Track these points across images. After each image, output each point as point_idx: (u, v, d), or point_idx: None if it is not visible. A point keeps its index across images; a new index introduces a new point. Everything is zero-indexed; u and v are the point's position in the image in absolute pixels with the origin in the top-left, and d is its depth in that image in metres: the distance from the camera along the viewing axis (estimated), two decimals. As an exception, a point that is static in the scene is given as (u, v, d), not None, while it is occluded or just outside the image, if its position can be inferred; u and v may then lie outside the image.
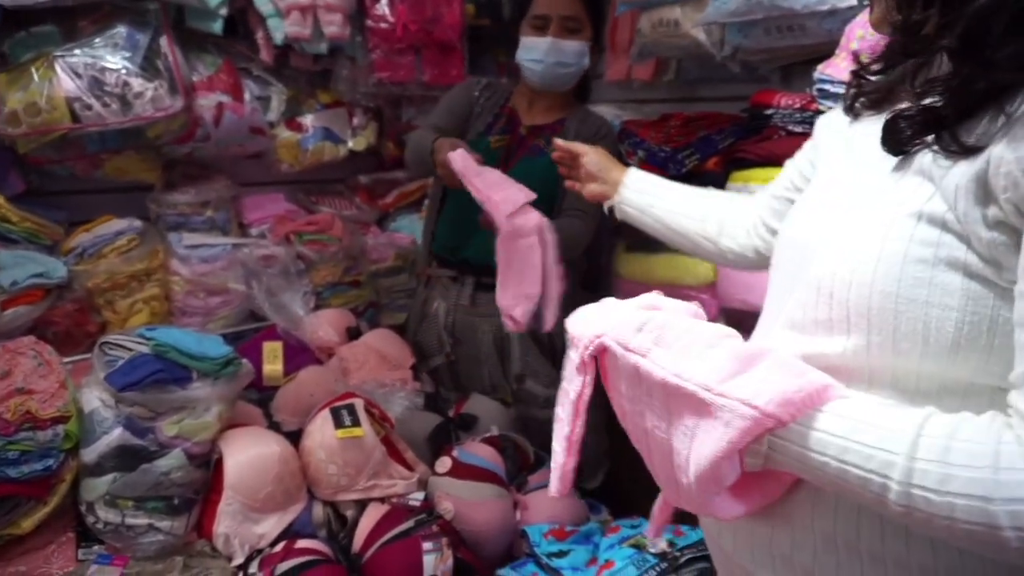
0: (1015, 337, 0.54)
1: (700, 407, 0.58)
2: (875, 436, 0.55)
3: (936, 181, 0.59)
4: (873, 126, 0.69)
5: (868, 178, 0.67)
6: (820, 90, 1.46)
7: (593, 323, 0.69)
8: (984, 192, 0.55)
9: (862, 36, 1.41)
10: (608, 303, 0.72)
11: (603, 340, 0.66)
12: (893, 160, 0.65)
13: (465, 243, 1.81)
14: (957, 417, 0.54)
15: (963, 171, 0.56)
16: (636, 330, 0.65)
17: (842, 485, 0.57)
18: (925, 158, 0.61)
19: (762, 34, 1.66)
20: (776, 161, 1.56)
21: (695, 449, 0.59)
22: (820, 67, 1.47)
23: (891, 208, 0.61)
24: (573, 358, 0.70)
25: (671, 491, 0.67)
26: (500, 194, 1.46)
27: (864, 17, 1.42)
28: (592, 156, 1.24)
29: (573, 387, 0.70)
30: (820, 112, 1.49)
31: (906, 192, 0.61)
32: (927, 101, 0.61)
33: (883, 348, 0.59)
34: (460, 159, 1.50)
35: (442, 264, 1.87)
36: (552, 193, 1.73)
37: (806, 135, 1.50)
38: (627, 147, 1.91)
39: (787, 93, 1.60)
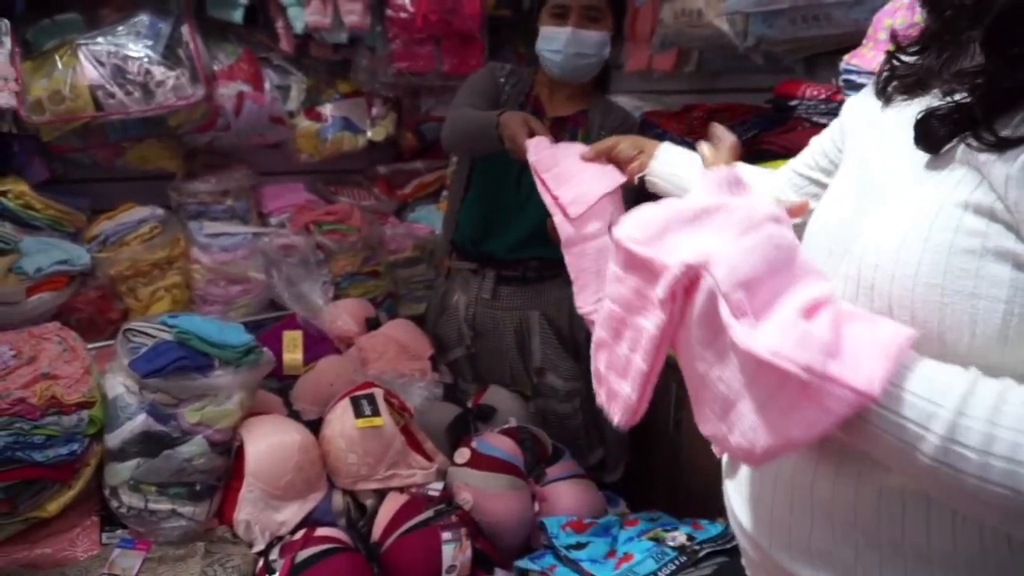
0: None
1: (798, 385, 0.53)
2: (924, 387, 0.54)
3: (983, 170, 0.57)
4: (905, 112, 0.67)
5: (903, 167, 0.66)
6: (846, 80, 1.43)
7: (680, 241, 0.60)
8: None
9: (890, 25, 1.38)
10: (678, 204, 0.63)
11: (704, 279, 0.57)
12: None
13: (488, 236, 1.80)
14: (1007, 382, 0.53)
15: (1014, 159, 0.55)
16: (736, 281, 0.56)
17: (871, 431, 0.56)
18: (967, 150, 0.59)
19: (787, 24, 1.63)
20: (799, 153, 1.54)
21: (779, 423, 0.55)
22: (847, 57, 1.44)
23: (934, 198, 0.60)
24: (651, 287, 0.61)
25: (714, 433, 0.62)
26: (572, 191, 1.25)
27: (893, 5, 1.39)
28: (624, 143, 1.22)
29: (651, 322, 0.61)
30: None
31: (950, 182, 0.60)
32: (957, 97, 0.60)
33: (928, 340, 0.58)
34: (534, 149, 1.35)
35: (463, 256, 1.86)
36: None
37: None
38: (649, 138, 1.90)
39: (812, 84, 1.58)
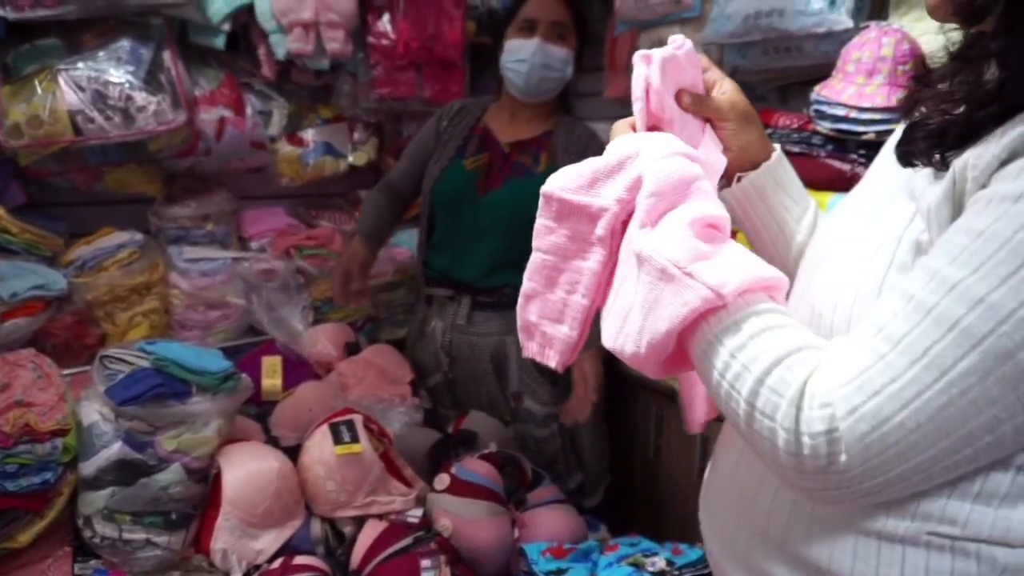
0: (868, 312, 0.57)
1: (666, 280, 0.60)
2: (755, 326, 0.59)
3: (917, 201, 0.59)
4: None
5: (875, 196, 0.68)
6: (817, 111, 1.48)
7: (609, 188, 0.68)
8: (951, 211, 0.56)
9: (858, 58, 1.43)
10: (603, 159, 0.70)
11: (635, 211, 0.65)
12: (898, 176, 0.64)
13: (457, 264, 1.81)
14: (819, 352, 0.58)
15: (937, 188, 0.57)
16: (649, 191, 0.64)
17: (699, 342, 0.61)
18: (916, 176, 0.61)
19: (760, 55, 1.68)
20: (774, 180, 1.57)
21: (650, 321, 0.62)
22: (817, 88, 1.49)
23: (881, 231, 0.62)
24: (590, 230, 0.69)
25: (614, 344, 0.68)
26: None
27: (860, 39, 1.44)
28: (736, 97, 0.84)
29: (592, 259, 0.69)
30: (817, 132, 1.51)
31: (895, 215, 0.62)
32: (951, 110, 0.60)
33: None
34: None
35: (438, 283, 1.86)
36: None
37: (803, 155, 1.54)
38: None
39: (785, 113, 1.61)
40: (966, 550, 0.56)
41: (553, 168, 1.84)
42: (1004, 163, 0.53)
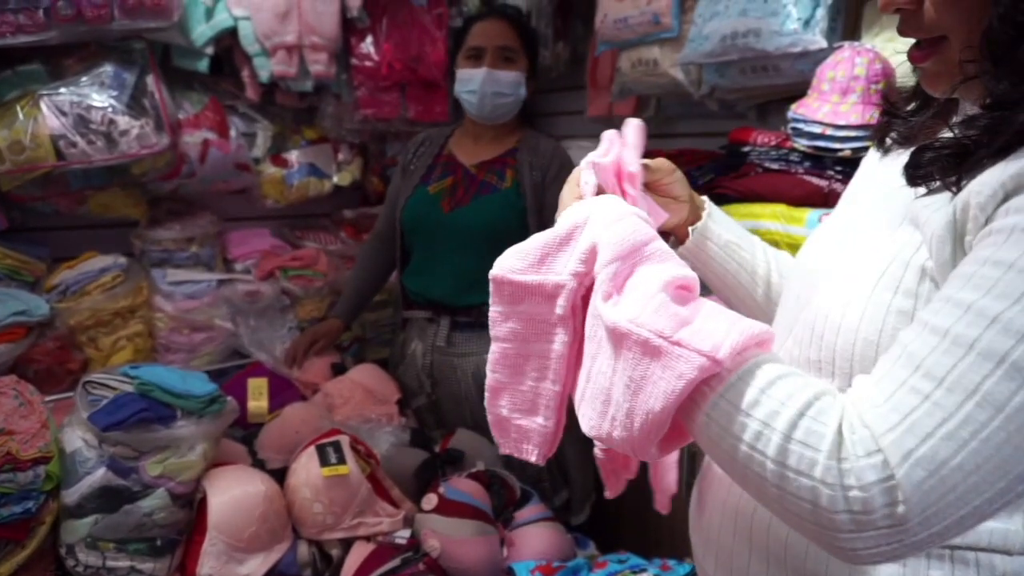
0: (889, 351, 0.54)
1: (653, 354, 0.56)
2: (763, 380, 0.55)
3: (922, 229, 0.59)
4: (897, 163, 0.69)
5: (880, 218, 0.67)
6: (794, 128, 1.50)
7: (562, 261, 0.63)
8: (954, 240, 0.55)
9: (832, 77, 1.46)
10: (549, 235, 0.66)
11: (596, 283, 0.61)
12: (901, 202, 0.64)
13: (432, 284, 1.83)
14: (829, 398, 0.54)
15: (940, 219, 0.56)
16: (608, 258, 0.60)
17: (705, 413, 0.56)
18: (922, 203, 0.60)
19: (738, 74, 1.71)
20: (753, 196, 1.60)
21: (641, 401, 0.56)
22: (794, 107, 1.51)
23: (885, 255, 0.61)
24: (548, 310, 0.63)
25: (598, 431, 0.62)
26: None
27: (834, 59, 1.47)
28: (678, 175, 0.91)
29: (556, 340, 0.64)
30: (795, 150, 1.54)
31: (900, 240, 0.61)
32: (958, 134, 0.60)
33: None
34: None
35: (417, 305, 1.88)
36: (510, 228, 1.73)
37: (782, 172, 1.56)
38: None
39: (763, 131, 1.64)
40: (965, 558, 0.57)
41: (519, 183, 1.88)
42: (1009, 195, 0.52)
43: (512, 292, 0.66)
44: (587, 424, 0.63)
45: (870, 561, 0.52)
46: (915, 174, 0.62)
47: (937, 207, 0.58)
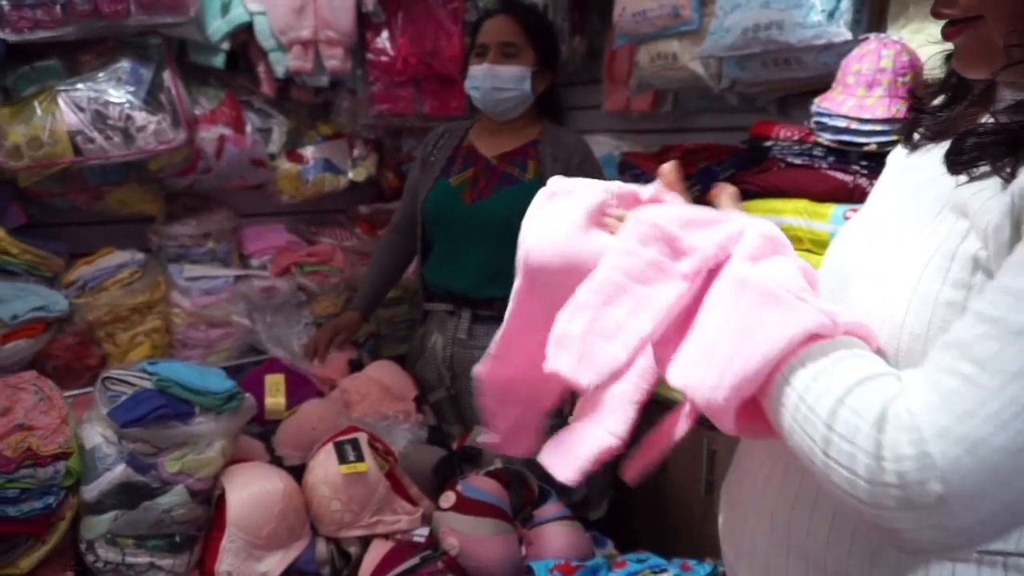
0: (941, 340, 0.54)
1: (776, 302, 0.58)
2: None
3: (972, 218, 0.57)
4: (927, 157, 0.68)
5: (911, 211, 0.66)
6: (817, 123, 1.48)
7: (699, 236, 0.66)
8: (1013, 228, 0.54)
9: (858, 70, 1.43)
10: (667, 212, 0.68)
11: (736, 251, 0.64)
12: (938, 193, 0.62)
13: (454, 276, 1.82)
14: (887, 379, 0.55)
15: (996, 207, 0.55)
16: (750, 240, 0.64)
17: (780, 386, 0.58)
18: (965, 192, 0.59)
19: (759, 67, 1.69)
20: (776, 192, 1.57)
21: (749, 346, 0.57)
22: (817, 100, 1.49)
23: (927, 246, 0.60)
24: (673, 263, 0.65)
25: (697, 381, 0.62)
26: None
27: (859, 52, 1.44)
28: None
29: (668, 291, 0.64)
30: (819, 144, 1.51)
31: (943, 230, 0.60)
32: (1006, 119, 0.58)
33: None
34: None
35: (438, 298, 1.87)
36: None
37: (805, 167, 1.54)
38: (629, 179, 1.93)
39: (786, 125, 1.62)
40: (1019, 565, 0.55)
41: (542, 175, 1.88)
42: None
43: (648, 233, 0.66)
44: (678, 373, 0.63)
45: (919, 549, 0.51)
46: (958, 160, 0.60)
47: (989, 195, 0.56)
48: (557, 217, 0.75)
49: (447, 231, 1.84)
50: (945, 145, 0.65)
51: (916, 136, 0.73)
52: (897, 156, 0.78)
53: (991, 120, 0.60)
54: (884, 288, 0.62)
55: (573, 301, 0.67)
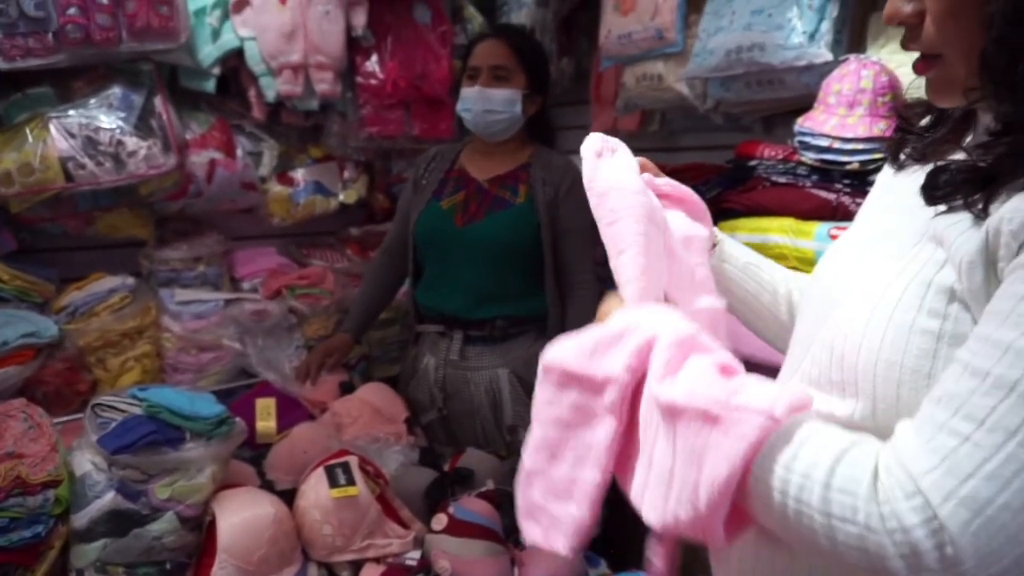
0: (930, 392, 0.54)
1: (712, 421, 0.56)
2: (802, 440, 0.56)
3: (948, 250, 0.58)
4: (913, 179, 0.68)
5: (895, 235, 0.66)
6: (801, 142, 1.50)
7: (611, 358, 0.64)
8: (986, 265, 0.54)
9: (838, 90, 1.46)
10: (601, 331, 0.67)
11: (650, 370, 0.62)
12: (920, 219, 0.63)
13: (445, 298, 1.83)
14: (867, 445, 0.55)
15: (969, 243, 0.55)
16: (669, 342, 0.62)
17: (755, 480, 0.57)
18: (942, 222, 0.59)
19: (743, 87, 1.71)
20: (761, 211, 1.59)
21: (706, 472, 0.56)
22: (800, 120, 1.51)
23: (905, 274, 0.60)
24: (595, 400, 0.64)
25: (663, 516, 0.61)
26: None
27: (840, 72, 1.47)
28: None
29: (602, 431, 0.64)
30: (802, 163, 1.53)
31: (921, 258, 0.60)
32: (975, 157, 0.59)
33: (887, 415, 0.58)
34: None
35: (429, 319, 1.88)
36: (523, 244, 1.76)
37: (790, 185, 1.56)
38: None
39: (770, 144, 1.64)
40: None
41: (532, 199, 1.88)
42: None
43: (560, 378, 0.67)
44: (653, 513, 0.62)
45: None
46: (933, 195, 0.61)
47: (962, 228, 0.57)
48: (623, 167, 0.78)
49: (438, 253, 1.85)
50: (927, 169, 0.66)
51: (902, 156, 0.74)
52: (885, 175, 0.78)
53: (964, 154, 0.61)
54: (862, 314, 0.62)
55: (524, 468, 0.70)
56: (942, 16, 0.59)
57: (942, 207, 0.60)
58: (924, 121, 0.74)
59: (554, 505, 0.67)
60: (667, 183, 0.89)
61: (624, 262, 0.73)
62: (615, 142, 0.82)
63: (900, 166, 0.74)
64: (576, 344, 0.67)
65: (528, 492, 0.69)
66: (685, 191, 0.92)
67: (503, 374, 1.79)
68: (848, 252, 0.74)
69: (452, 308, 1.82)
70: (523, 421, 1.79)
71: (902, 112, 0.77)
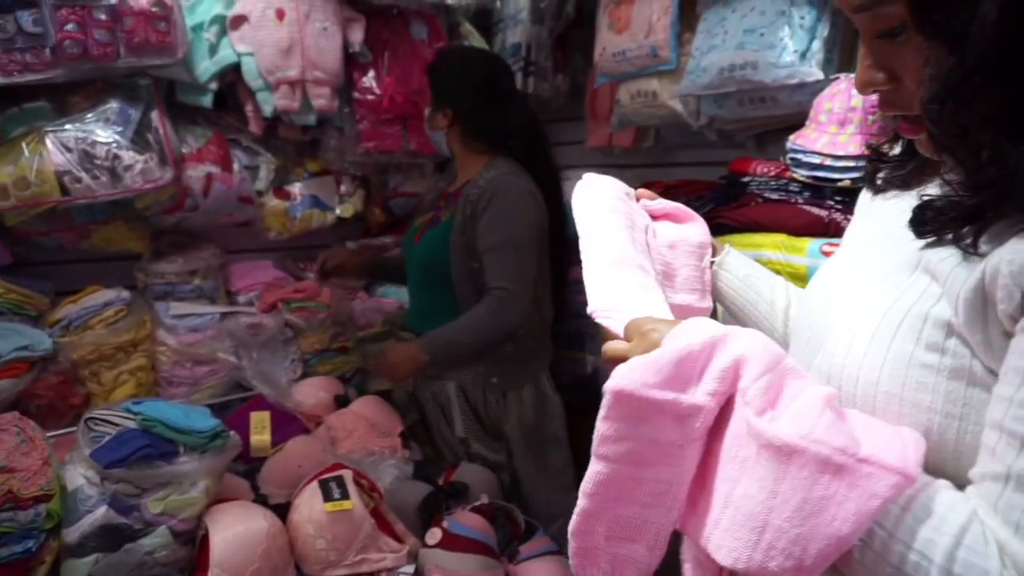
0: (983, 437, 0.54)
1: (836, 472, 0.51)
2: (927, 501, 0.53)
3: (942, 284, 0.58)
4: (896, 205, 0.68)
5: (883, 263, 0.66)
6: (793, 159, 1.52)
7: (694, 377, 0.57)
8: (984, 303, 0.54)
9: (829, 109, 1.48)
10: (688, 329, 0.59)
11: (741, 398, 0.55)
12: (909, 249, 0.63)
13: (408, 314, 2.01)
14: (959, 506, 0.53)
15: (964, 280, 0.55)
16: (755, 377, 0.55)
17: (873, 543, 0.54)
18: (935, 255, 0.59)
19: (736, 105, 1.73)
20: (754, 226, 1.61)
21: (822, 525, 0.51)
22: (792, 137, 1.53)
23: (900, 306, 0.60)
24: (677, 432, 0.57)
25: (748, 562, 0.55)
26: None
27: (831, 90, 1.49)
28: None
29: (685, 466, 0.58)
30: (794, 180, 1.55)
31: (915, 290, 0.60)
32: (959, 193, 0.59)
33: None
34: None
35: (408, 331, 1.97)
36: (442, 263, 1.80)
37: (782, 202, 1.57)
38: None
39: (763, 161, 1.66)
40: None
41: (454, 216, 1.97)
42: None
43: (638, 410, 0.57)
44: (729, 555, 0.55)
45: None
46: (922, 230, 0.61)
47: (953, 263, 0.57)
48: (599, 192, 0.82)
49: (407, 268, 1.97)
50: (909, 195, 0.67)
51: (879, 181, 0.74)
52: (865, 198, 0.79)
53: (941, 185, 0.62)
54: (857, 345, 0.61)
55: (579, 511, 0.61)
56: (920, 75, 0.58)
57: (931, 238, 0.60)
58: (895, 150, 0.74)
59: (619, 546, 0.61)
60: (661, 205, 0.91)
61: (620, 275, 0.73)
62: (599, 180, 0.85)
63: (878, 190, 0.75)
64: (651, 367, 0.57)
65: (588, 534, 0.61)
66: (681, 209, 0.93)
67: (451, 386, 1.84)
68: (835, 278, 0.74)
69: (409, 322, 1.97)
70: (472, 433, 1.84)
71: (870, 143, 0.78)
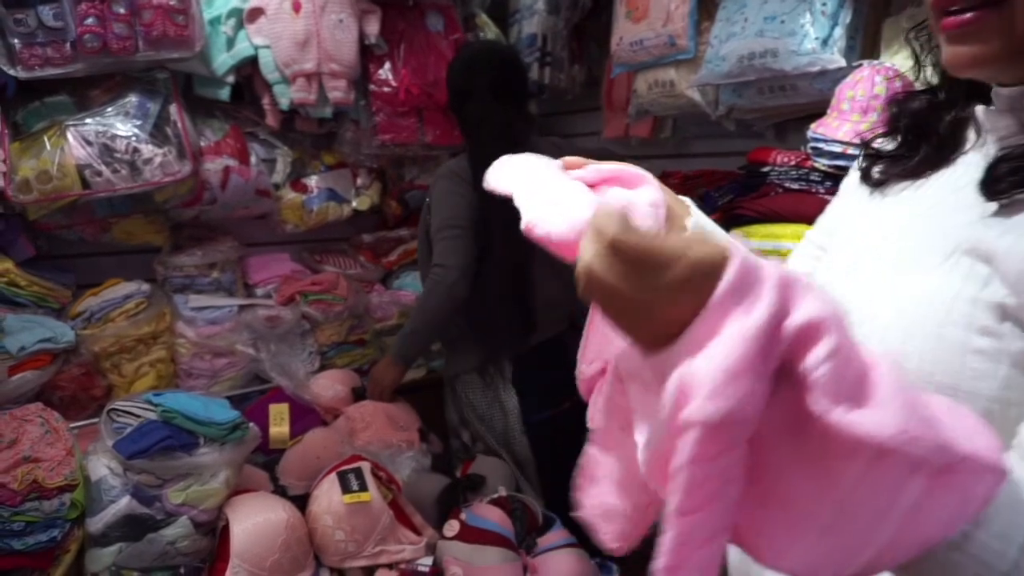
0: None
1: (931, 473, 0.40)
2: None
3: (997, 264, 0.53)
4: (910, 196, 0.64)
5: (913, 257, 0.61)
6: (814, 148, 1.49)
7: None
8: None
9: (852, 96, 1.45)
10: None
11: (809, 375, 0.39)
12: (943, 233, 0.58)
13: None
14: None
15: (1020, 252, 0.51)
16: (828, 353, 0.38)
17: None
18: (984, 235, 0.54)
19: (755, 94, 1.71)
20: (774, 217, 1.58)
21: (911, 529, 0.42)
22: (813, 126, 1.51)
23: (945, 292, 0.56)
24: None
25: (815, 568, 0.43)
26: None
27: (853, 78, 1.46)
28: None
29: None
30: (815, 169, 1.53)
31: (957, 274, 0.56)
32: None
33: None
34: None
35: None
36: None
37: (802, 192, 1.55)
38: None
39: (783, 151, 1.63)
40: None
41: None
42: None
43: (736, 436, 0.40)
44: (785, 562, 0.44)
45: None
46: (996, 188, 0.54)
47: (1015, 238, 0.52)
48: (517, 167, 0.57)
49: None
50: (924, 184, 0.63)
51: (876, 175, 0.69)
52: (859, 197, 0.72)
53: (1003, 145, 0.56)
54: (901, 339, 0.57)
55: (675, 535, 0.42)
56: None
57: (974, 216, 0.55)
58: (891, 146, 0.70)
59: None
60: (596, 171, 0.67)
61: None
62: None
63: (876, 185, 0.70)
64: (727, 376, 0.38)
65: (685, 550, 0.42)
66: (627, 171, 0.72)
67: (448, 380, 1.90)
68: (853, 270, 0.68)
69: None
70: (464, 423, 1.87)
71: (863, 138, 0.74)
